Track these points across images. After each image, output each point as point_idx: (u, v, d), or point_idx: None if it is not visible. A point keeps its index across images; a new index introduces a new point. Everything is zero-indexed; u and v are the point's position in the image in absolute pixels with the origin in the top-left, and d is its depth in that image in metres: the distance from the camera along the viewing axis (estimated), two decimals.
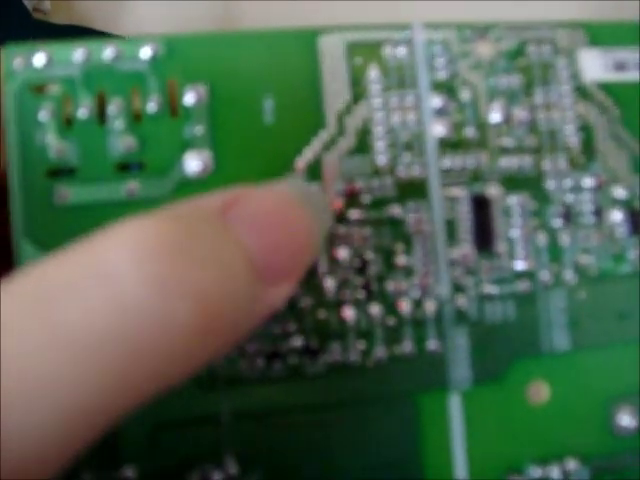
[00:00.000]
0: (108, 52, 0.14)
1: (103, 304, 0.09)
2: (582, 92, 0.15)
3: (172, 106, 0.14)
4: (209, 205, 0.11)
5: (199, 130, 0.14)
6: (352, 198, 0.14)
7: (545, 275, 0.15)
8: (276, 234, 0.11)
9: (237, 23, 0.28)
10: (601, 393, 0.15)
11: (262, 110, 0.14)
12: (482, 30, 0.15)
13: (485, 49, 0.15)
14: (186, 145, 0.14)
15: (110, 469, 0.13)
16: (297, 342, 0.14)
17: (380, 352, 0.14)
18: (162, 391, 0.10)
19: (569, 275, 0.15)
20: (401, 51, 0.15)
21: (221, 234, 0.11)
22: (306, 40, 0.14)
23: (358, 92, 0.14)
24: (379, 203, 0.14)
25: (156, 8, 0.28)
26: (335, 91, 0.14)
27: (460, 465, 0.15)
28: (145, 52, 0.14)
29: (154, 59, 0.14)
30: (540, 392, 0.15)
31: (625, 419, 0.15)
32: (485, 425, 0.15)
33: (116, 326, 0.09)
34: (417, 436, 0.14)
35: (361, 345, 0.14)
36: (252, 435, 0.14)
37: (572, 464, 0.15)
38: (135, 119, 0.14)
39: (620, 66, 0.16)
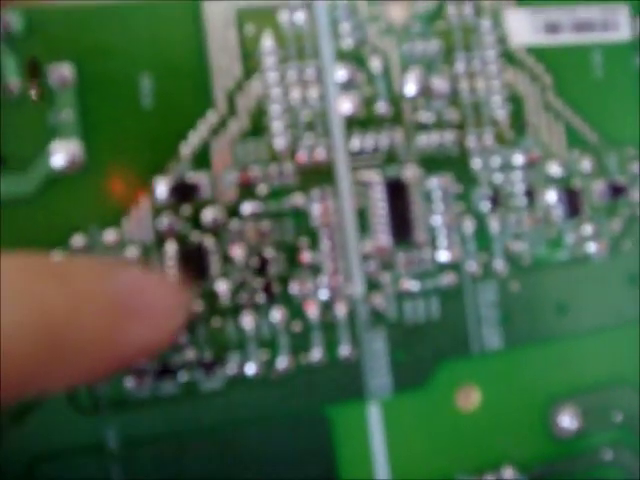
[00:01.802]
0: None
1: None
2: (510, 58, 0.14)
3: (33, 88, 0.12)
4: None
5: (66, 116, 0.12)
6: (247, 189, 0.12)
7: (472, 266, 0.13)
8: (146, 285, 0.11)
9: None
10: (538, 394, 0.14)
11: (139, 91, 0.12)
12: None
13: (398, 11, 0.13)
14: (51, 134, 0.12)
15: None
16: (189, 355, 0.12)
17: (285, 362, 0.13)
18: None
19: (500, 265, 0.14)
20: (299, 17, 0.13)
21: (92, 275, 0.11)
22: (188, 8, 0.12)
23: (250, 66, 0.13)
24: (278, 193, 0.13)
25: None
26: (224, 66, 0.12)
27: None
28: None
29: (10, 34, 0.12)
30: (470, 397, 0.14)
31: (566, 420, 0.14)
32: (409, 437, 0.13)
33: None
34: (332, 454, 0.13)
35: (263, 355, 0.13)
36: (144, 463, 0.12)
37: (509, 473, 0.14)
38: None
39: (552, 28, 0.14)
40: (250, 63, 0.13)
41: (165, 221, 0.12)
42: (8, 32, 0.12)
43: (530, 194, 0.14)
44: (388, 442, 0.13)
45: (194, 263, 0.12)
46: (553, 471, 0.14)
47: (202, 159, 0.12)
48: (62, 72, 0.12)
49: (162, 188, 0.12)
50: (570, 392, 0.14)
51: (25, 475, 0.12)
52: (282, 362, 0.13)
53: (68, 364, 0.10)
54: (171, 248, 0.12)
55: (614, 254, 0.14)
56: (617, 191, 0.14)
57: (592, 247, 0.14)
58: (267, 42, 0.13)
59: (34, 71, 0.12)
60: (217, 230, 0.12)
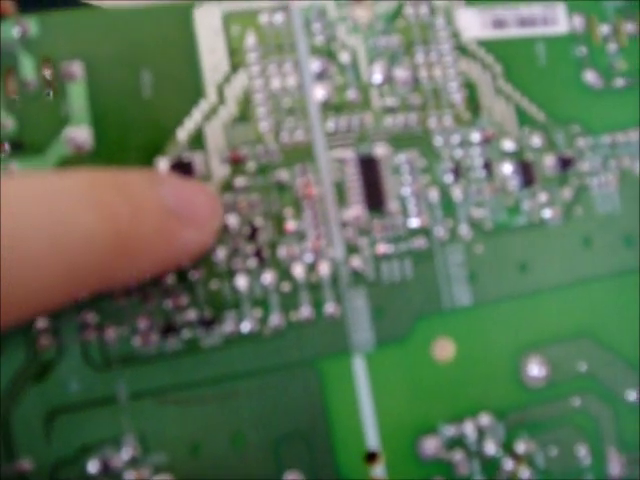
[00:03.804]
0: None
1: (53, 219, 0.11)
2: (463, 50, 0.16)
3: (48, 84, 0.14)
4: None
5: (77, 107, 0.14)
6: (237, 165, 0.14)
7: (440, 231, 0.15)
8: (190, 194, 0.13)
9: None
10: (508, 346, 0.15)
11: (140, 84, 0.14)
12: None
13: (362, 13, 0.15)
14: (65, 122, 0.14)
15: (4, 463, 0.13)
16: (191, 315, 0.14)
17: (277, 319, 0.14)
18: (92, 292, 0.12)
19: (464, 230, 0.15)
20: (278, 19, 0.15)
21: (147, 186, 0.12)
22: (181, 13, 0.14)
23: (237, 61, 0.14)
24: (265, 169, 0.14)
25: None
26: (213, 61, 0.14)
27: (370, 429, 0.14)
28: (17, 31, 0.13)
29: (27, 37, 0.14)
30: (446, 349, 0.15)
31: (534, 369, 0.15)
32: (392, 387, 0.15)
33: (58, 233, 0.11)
34: (323, 403, 0.14)
35: (257, 313, 0.14)
36: (152, 414, 0.14)
37: (486, 419, 0.15)
38: (10, 99, 0.13)
39: (499, 23, 0.16)
40: (236, 59, 0.15)
41: None
42: (25, 35, 0.14)
43: (488, 167, 0.15)
44: (373, 392, 0.15)
45: None
46: (526, 417, 0.15)
47: (197, 141, 0.14)
48: (73, 69, 0.14)
49: (163, 166, 0.14)
50: (536, 344, 0.15)
51: (43, 428, 0.13)
52: (274, 320, 0.14)
53: (132, 264, 0.12)
54: None
55: (567, 219, 0.16)
56: (566, 163, 0.16)
57: (547, 213, 0.16)
58: (250, 40, 0.15)
59: (49, 69, 0.14)
60: None
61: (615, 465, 0.16)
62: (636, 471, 0.16)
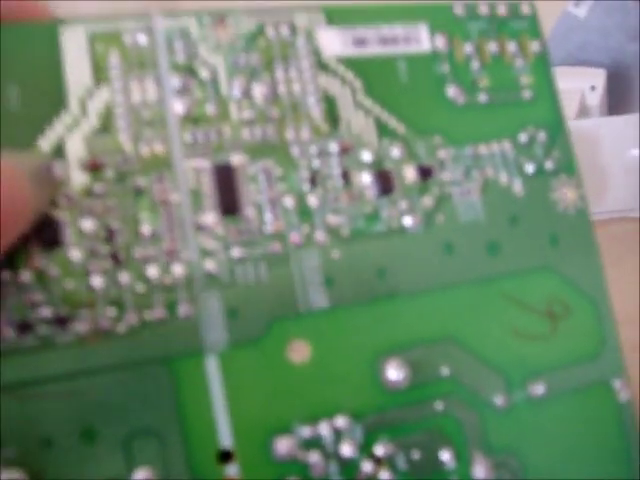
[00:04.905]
0: None
1: None
2: (322, 66, 0.16)
3: None
4: None
5: None
6: (96, 172, 0.15)
7: (295, 236, 0.16)
8: None
9: None
10: (366, 349, 0.16)
11: (5, 97, 0.15)
12: (220, 16, 0.16)
13: (223, 33, 0.16)
14: None
15: None
16: (46, 312, 0.14)
17: (131, 318, 0.15)
18: None
19: (320, 236, 0.16)
20: (142, 38, 0.16)
21: None
22: (48, 31, 0.15)
23: (100, 77, 0.15)
24: (124, 176, 0.15)
25: None
26: (77, 78, 0.15)
27: (223, 429, 0.15)
28: None
29: None
30: (301, 351, 0.15)
31: (392, 373, 0.16)
32: (246, 387, 0.15)
33: None
34: (176, 401, 0.15)
35: (112, 312, 0.15)
36: (4, 409, 0.14)
37: (342, 421, 0.15)
38: None
39: (360, 42, 0.17)
40: (100, 75, 0.16)
41: None
42: None
43: (346, 176, 0.16)
44: (226, 391, 0.15)
45: (50, 234, 0.15)
46: (386, 419, 0.16)
47: (58, 151, 0.15)
48: None
49: None
50: (396, 347, 0.16)
51: None
52: (129, 318, 0.15)
53: None
54: None
55: (428, 226, 0.16)
56: (426, 173, 0.17)
57: (407, 220, 0.16)
58: (113, 58, 0.16)
59: None
60: (72, 206, 0.15)
61: (480, 469, 0.16)
62: (503, 474, 0.16)
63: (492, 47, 0.17)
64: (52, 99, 0.15)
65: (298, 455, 0.15)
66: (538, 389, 0.16)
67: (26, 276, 0.15)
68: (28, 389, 0.14)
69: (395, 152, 0.16)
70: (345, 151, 0.16)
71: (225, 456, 0.15)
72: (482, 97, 0.17)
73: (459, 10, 0.18)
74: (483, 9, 0.18)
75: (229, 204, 0.15)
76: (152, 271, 0.15)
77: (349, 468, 0.15)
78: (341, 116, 0.16)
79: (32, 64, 0.15)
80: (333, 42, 0.17)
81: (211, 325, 0.15)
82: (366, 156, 0.16)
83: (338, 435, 0.15)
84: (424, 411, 0.16)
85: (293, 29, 0.16)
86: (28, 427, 0.14)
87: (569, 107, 0.36)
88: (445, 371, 0.16)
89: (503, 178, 0.17)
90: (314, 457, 0.15)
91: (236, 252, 0.15)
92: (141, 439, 0.15)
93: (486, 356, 0.16)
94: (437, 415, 0.16)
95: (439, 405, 0.16)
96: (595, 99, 0.36)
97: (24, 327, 0.14)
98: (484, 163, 0.17)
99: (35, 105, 0.15)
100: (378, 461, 0.15)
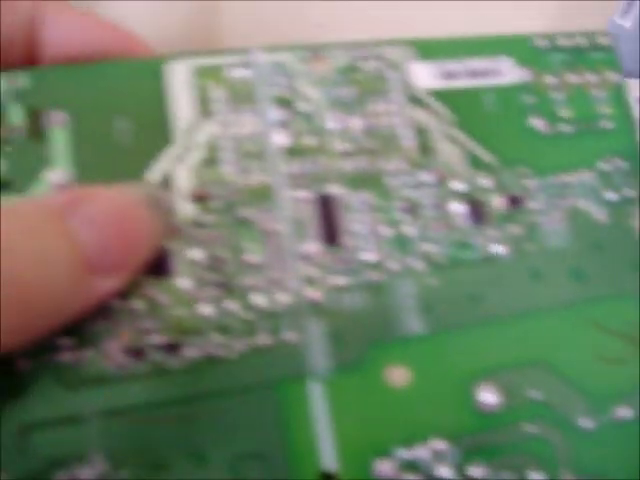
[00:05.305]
0: None
1: None
2: (414, 99, 0.17)
3: (36, 131, 0.15)
4: (50, 203, 0.13)
5: (60, 151, 0.15)
6: (204, 203, 0.16)
7: (393, 265, 0.16)
8: (109, 232, 0.13)
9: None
10: (461, 373, 0.16)
11: (115, 131, 0.16)
12: (315, 50, 0.17)
13: (319, 66, 0.17)
14: (46, 163, 0.15)
15: None
16: (158, 339, 0.15)
17: (239, 344, 0.15)
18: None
19: (418, 264, 0.16)
20: (243, 72, 0.16)
21: (53, 230, 0.12)
22: (152, 67, 0.16)
23: (204, 110, 0.16)
24: (229, 207, 0.16)
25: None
26: (182, 111, 0.16)
27: (327, 453, 0.15)
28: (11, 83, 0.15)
29: (18, 90, 0.15)
30: (400, 376, 0.16)
31: (487, 396, 0.16)
32: (348, 411, 0.15)
33: None
34: (281, 426, 0.15)
35: (220, 339, 0.15)
36: (120, 432, 0.15)
37: (439, 444, 0.16)
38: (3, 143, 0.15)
39: (449, 75, 0.17)
40: (204, 108, 0.16)
41: None
42: (15, 87, 0.15)
43: (440, 206, 0.17)
44: (330, 415, 0.15)
45: (160, 264, 0.15)
46: (480, 441, 0.16)
47: (164, 184, 0.16)
48: (58, 118, 0.15)
49: None
50: (489, 372, 0.16)
51: (15, 443, 0.14)
52: (237, 345, 0.15)
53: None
54: None
55: (518, 254, 0.17)
56: (515, 202, 0.17)
57: (499, 248, 0.17)
58: (217, 92, 0.16)
59: (33, 117, 0.15)
60: (179, 236, 0.15)
61: None
62: None
63: (573, 78, 0.18)
64: (158, 132, 0.16)
65: (398, 477, 0.15)
66: (626, 412, 0.17)
67: (138, 304, 0.15)
68: (141, 413, 0.15)
69: (485, 182, 0.17)
70: (439, 181, 0.17)
71: (327, 478, 0.15)
72: (564, 127, 0.18)
73: (540, 42, 0.18)
74: (563, 41, 0.18)
75: (330, 234, 0.16)
76: (258, 299, 0.15)
77: None
78: (433, 147, 0.17)
79: (140, 99, 0.16)
80: (424, 75, 0.17)
81: (314, 351, 0.15)
82: (458, 186, 0.17)
83: (436, 457, 0.16)
84: (516, 433, 0.16)
85: (386, 63, 0.17)
86: (141, 450, 0.15)
87: None
88: (536, 394, 0.16)
89: (586, 206, 0.18)
90: (413, 478, 0.16)
91: (337, 280, 0.16)
92: (247, 461, 0.15)
93: (574, 380, 0.17)
94: (528, 437, 0.16)
95: (531, 428, 0.16)
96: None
97: (137, 353, 0.15)
98: (568, 192, 0.17)
99: (143, 138, 0.16)
100: None
